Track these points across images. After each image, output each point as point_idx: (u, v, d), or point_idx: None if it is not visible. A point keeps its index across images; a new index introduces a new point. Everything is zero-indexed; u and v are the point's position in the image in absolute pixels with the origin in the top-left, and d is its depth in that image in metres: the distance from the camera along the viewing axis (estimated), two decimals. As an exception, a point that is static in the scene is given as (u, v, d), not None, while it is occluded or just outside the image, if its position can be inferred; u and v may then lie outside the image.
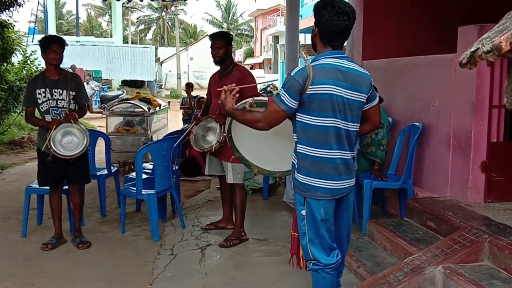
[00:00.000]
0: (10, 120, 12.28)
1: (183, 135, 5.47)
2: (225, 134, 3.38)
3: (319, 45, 2.91)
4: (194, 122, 5.12)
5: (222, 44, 4.78)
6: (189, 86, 12.50)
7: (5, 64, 11.19)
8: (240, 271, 4.13)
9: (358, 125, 2.92)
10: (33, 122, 4.83)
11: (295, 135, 2.88)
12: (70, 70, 7.99)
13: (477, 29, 4.24)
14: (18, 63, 12.21)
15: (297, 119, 2.84)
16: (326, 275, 2.90)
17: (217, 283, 3.90)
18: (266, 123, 2.86)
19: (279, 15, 39.38)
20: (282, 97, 2.77)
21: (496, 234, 3.56)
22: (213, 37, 4.88)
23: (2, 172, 8.65)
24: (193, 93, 12.41)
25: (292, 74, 2.77)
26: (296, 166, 2.90)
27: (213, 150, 4.61)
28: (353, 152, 2.93)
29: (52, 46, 4.62)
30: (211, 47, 4.82)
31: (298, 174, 2.87)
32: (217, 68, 4.95)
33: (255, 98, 3.14)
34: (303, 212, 2.88)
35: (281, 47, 35.21)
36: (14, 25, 11.08)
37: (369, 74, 2.96)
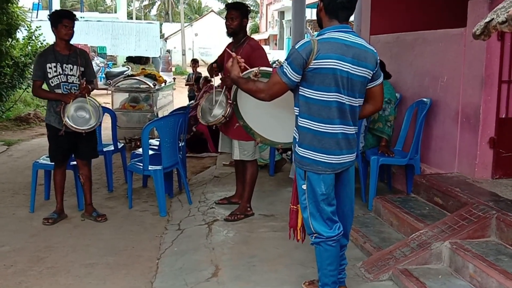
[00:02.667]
0: (16, 96, 12.29)
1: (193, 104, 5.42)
2: (230, 102, 3.38)
3: (325, 19, 2.87)
4: (203, 92, 5.07)
5: (237, 15, 4.64)
6: (195, 62, 12.43)
7: (10, 40, 11.14)
8: (246, 246, 4.15)
9: (362, 100, 2.91)
10: (44, 95, 4.80)
11: (297, 108, 2.87)
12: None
13: (488, 2, 4.16)
14: (23, 39, 12.16)
15: (299, 92, 2.83)
16: (328, 247, 2.93)
17: (224, 257, 3.93)
18: (267, 94, 2.87)
19: (285, -10, 38.90)
20: (284, 70, 2.76)
21: (503, 210, 3.55)
22: (228, 7, 4.75)
23: (9, 148, 8.68)
24: (199, 70, 12.35)
25: (296, 47, 2.75)
26: (297, 140, 2.90)
27: (218, 124, 4.60)
28: (356, 127, 2.91)
29: (64, 21, 4.59)
30: (226, 17, 4.69)
31: (299, 148, 2.88)
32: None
33: (261, 68, 3.13)
34: (304, 187, 2.90)
35: (287, 22, 34.90)
36: (18, 1, 11.00)
37: (375, 51, 2.92)
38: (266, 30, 47.64)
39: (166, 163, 5.11)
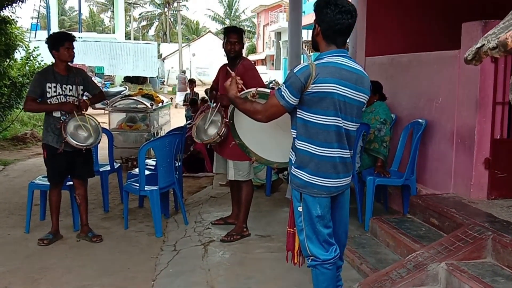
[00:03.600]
0: (13, 116, 12.30)
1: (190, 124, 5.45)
2: (227, 120, 3.40)
3: (323, 44, 2.90)
4: (200, 112, 5.10)
5: (239, 39, 4.70)
6: (192, 82, 12.52)
7: (7, 60, 11.19)
8: (243, 267, 4.13)
9: (358, 125, 2.94)
10: (39, 107, 4.75)
11: (294, 131, 2.89)
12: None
13: (481, 25, 4.22)
14: (20, 59, 12.22)
15: (297, 115, 2.84)
16: (325, 270, 2.92)
17: (220, 279, 3.91)
18: (264, 116, 2.89)
19: (281, 11, 39.32)
20: (282, 93, 2.78)
21: (499, 231, 3.55)
22: (230, 30, 4.77)
23: (5, 168, 8.66)
24: (196, 89, 12.42)
25: (295, 71, 2.77)
26: (293, 162, 2.91)
27: (213, 144, 4.61)
28: (351, 151, 2.94)
29: (66, 43, 4.62)
30: (227, 41, 4.68)
31: (296, 170, 2.88)
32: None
33: (259, 89, 3.16)
34: (300, 209, 2.91)
35: (283, 43, 35.19)
36: (16, 21, 11.08)
37: (367, 75, 2.98)
38: (263, 50, 48.03)
39: (163, 183, 5.11)
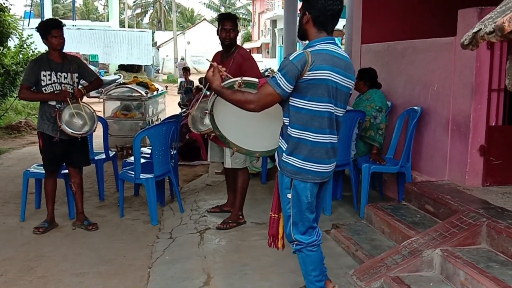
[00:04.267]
0: (7, 105, 12.24)
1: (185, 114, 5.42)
2: (207, 111, 3.36)
3: (313, 31, 2.90)
4: (195, 100, 5.06)
5: (234, 26, 4.65)
6: (186, 71, 12.47)
7: (1, 48, 11.12)
8: (239, 254, 4.14)
9: (345, 110, 2.98)
10: (34, 96, 4.71)
11: (287, 119, 2.89)
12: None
13: (477, 12, 4.21)
14: (14, 47, 12.13)
15: (290, 103, 2.85)
16: (310, 253, 2.98)
17: (216, 266, 3.92)
18: (257, 105, 2.85)
19: (277, -1, 39.11)
20: (278, 81, 2.76)
21: (494, 218, 3.57)
22: (224, 17, 4.71)
23: (-1, 156, 8.63)
24: (190, 78, 12.38)
25: (290, 59, 2.77)
26: (284, 149, 2.92)
27: (210, 133, 4.59)
28: (338, 136, 2.98)
29: (53, 32, 4.57)
30: (222, 29, 4.64)
31: (288, 157, 2.89)
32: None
33: (244, 78, 3.12)
34: (289, 195, 2.93)
35: (279, 31, 35.06)
36: (10, 9, 10.99)
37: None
38: (259, 38, 47.80)
39: (158, 171, 5.10)
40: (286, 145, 2.91)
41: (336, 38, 2.99)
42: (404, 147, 4.88)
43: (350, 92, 2.98)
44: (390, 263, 3.53)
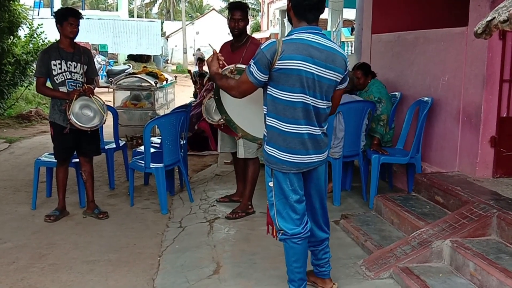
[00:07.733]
0: (18, 94, 12.31)
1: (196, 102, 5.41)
2: (212, 96, 3.42)
3: (294, 20, 2.90)
4: (204, 89, 5.05)
5: (244, 16, 4.63)
6: (201, 61, 12.49)
7: (11, 38, 11.16)
8: (248, 244, 4.16)
9: (329, 102, 2.93)
10: (50, 94, 4.75)
11: (265, 107, 2.91)
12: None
13: (489, 1, 4.16)
14: (24, 37, 12.16)
15: (267, 92, 2.87)
16: (294, 245, 2.97)
17: (225, 255, 3.94)
18: (237, 91, 2.94)
19: (286, -11, 38.86)
20: (251, 69, 2.81)
21: (504, 209, 3.56)
22: (234, 7, 4.68)
23: (10, 145, 8.70)
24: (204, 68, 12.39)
25: (261, 48, 2.79)
26: (265, 138, 2.94)
27: (221, 125, 4.59)
28: (323, 128, 2.94)
29: (70, 19, 4.60)
30: (231, 18, 4.62)
31: (267, 146, 2.92)
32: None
33: (237, 65, 3.19)
34: (271, 184, 2.95)
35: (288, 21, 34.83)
36: (20, -2, 11.01)
37: (345, 55, 2.95)
38: (268, 28, 47.51)
39: (168, 161, 5.12)
40: (266, 134, 2.94)
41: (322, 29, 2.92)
42: (414, 138, 4.86)
43: (338, 85, 2.92)
44: (399, 253, 3.53)
